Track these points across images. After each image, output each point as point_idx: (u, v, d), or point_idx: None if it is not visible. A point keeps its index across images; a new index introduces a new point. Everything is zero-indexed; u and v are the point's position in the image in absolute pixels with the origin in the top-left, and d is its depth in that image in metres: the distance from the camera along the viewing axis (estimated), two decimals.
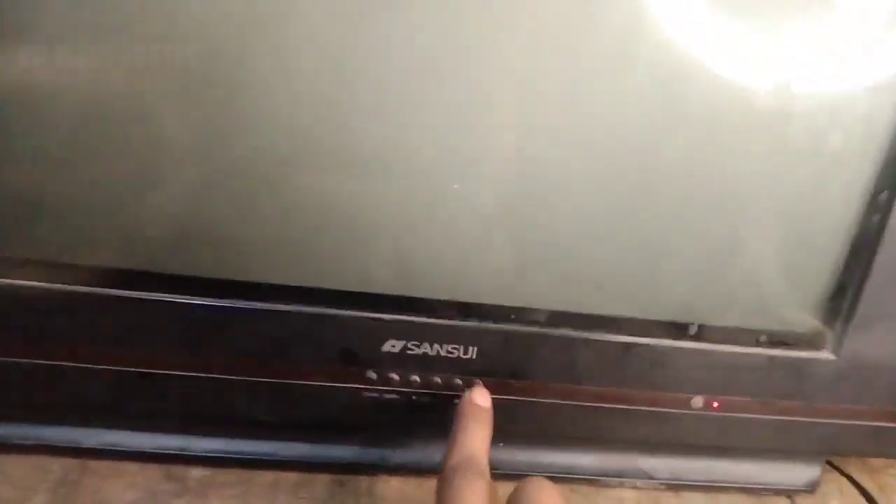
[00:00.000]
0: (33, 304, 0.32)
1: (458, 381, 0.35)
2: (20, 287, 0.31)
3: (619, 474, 0.39)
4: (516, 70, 0.32)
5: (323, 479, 0.36)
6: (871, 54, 0.33)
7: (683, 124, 0.33)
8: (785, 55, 0.32)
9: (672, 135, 0.34)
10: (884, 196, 0.35)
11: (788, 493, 0.41)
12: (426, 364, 0.35)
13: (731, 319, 0.37)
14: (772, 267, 0.36)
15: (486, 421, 0.33)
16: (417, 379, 0.35)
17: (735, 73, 0.33)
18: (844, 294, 0.36)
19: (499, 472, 0.34)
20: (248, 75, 0.30)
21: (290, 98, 0.31)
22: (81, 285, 0.32)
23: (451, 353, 0.35)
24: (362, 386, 0.35)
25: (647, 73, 0.32)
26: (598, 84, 0.32)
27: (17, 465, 0.34)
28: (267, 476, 0.36)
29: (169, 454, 0.36)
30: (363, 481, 0.37)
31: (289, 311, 0.34)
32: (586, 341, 0.36)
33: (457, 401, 0.35)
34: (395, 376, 0.35)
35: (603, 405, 0.37)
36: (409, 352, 0.35)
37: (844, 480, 0.42)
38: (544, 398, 0.37)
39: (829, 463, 0.42)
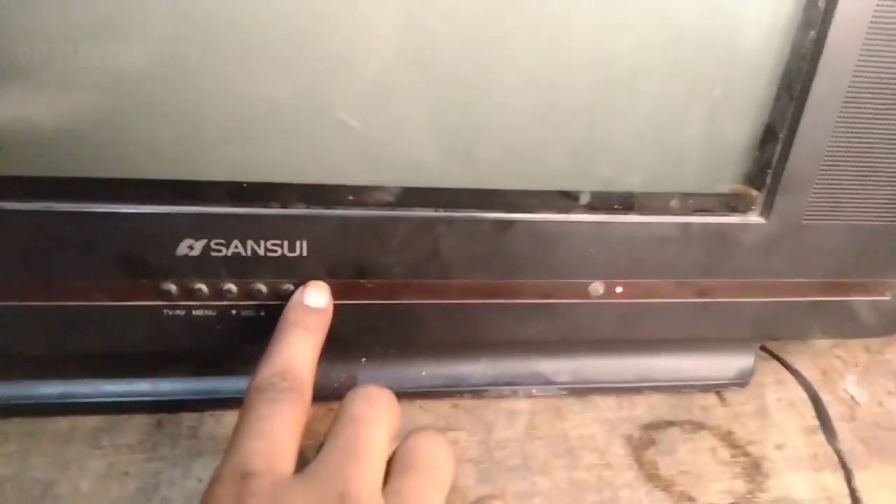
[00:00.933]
0: None
1: (290, 287, 0.28)
2: None
3: (511, 382, 0.33)
4: None
5: (133, 421, 0.29)
6: None
7: None
8: None
9: None
10: (804, 37, 0.27)
11: (716, 387, 0.34)
12: (241, 268, 0.27)
13: (632, 183, 0.29)
14: (680, 111, 0.28)
15: (314, 327, 0.26)
16: (233, 288, 0.27)
17: None
18: (774, 139, 0.29)
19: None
20: None
21: None
22: None
23: (273, 250, 0.27)
24: (160, 302, 0.27)
25: None
26: None
27: None
28: (59, 423, 0.28)
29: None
30: (185, 419, 0.29)
31: (42, 210, 0.25)
32: (450, 222, 0.28)
33: None
34: (202, 287, 0.27)
35: (480, 301, 0.30)
36: (213, 253, 0.26)
37: (782, 368, 0.35)
38: (407, 298, 0.29)
39: (764, 349, 0.36)
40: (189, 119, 0.25)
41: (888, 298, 0.33)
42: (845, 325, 0.34)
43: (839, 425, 0.33)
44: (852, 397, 0.35)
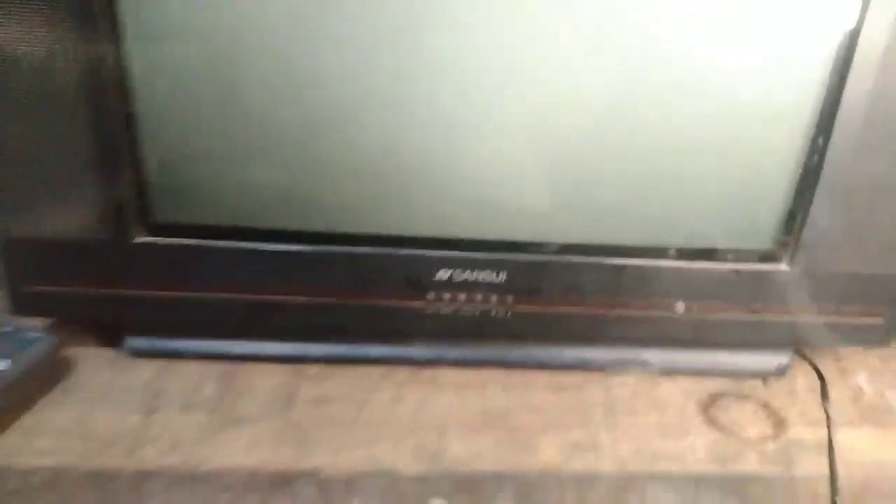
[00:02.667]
0: (205, 256, 0.46)
1: (494, 298, 0.48)
2: (193, 245, 0.46)
3: (625, 363, 0.51)
4: (527, 67, 0.43)
5: (402, 370, 0.50)
6: (804, 34, 0.42)
7: (662, 89, 0.44)
8: (735, 38, 0.42)
9: (653, 99, 0.44)
10: (820, 140, 0.44)
11: (763, 375, 0.52)
12: (468, 285, 0.47)
13: (703, 241, 0.48)
14: (735, 198, 0.47)
15: None
16: (462, 296, 0.48)
17: (700, 54, 0.43)
18: (794, 218, 0.46)
19: (520, 364, 0.47)
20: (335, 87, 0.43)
21: (355, 96, 0.43)
22: (235, 240, 0.46)
23: (485, 276, 0.47)
24: (423, 303, 0.48)
25: (633, 59, 0.43)
26: (602, 73, 0.43)
27: (189, 368, 0.49)
28: (361, 369, 0.50)
29: (291, 356, 0.50)
30: (428, 372, 0.50)
31: (373, 253, 0.47)
32: (590, 264, 0.47)
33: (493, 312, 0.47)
34: (447, 294, 0.48)
35: (607, 312, 0.49)
36: (455, 277, 0.47)
37: (808, 365, 0.52)
38: (564, 307, 0.49)
39: (798, 351, 0.53)
40: (453, 206, 0.46)
41: (881, 321, 0.50)
42: (851, 338, 0.50)
43: (846, 406, 0.49)
44: (861, 388, 0.51)
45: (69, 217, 0.45)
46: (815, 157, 0.45)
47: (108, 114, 0.42)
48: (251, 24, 0.41)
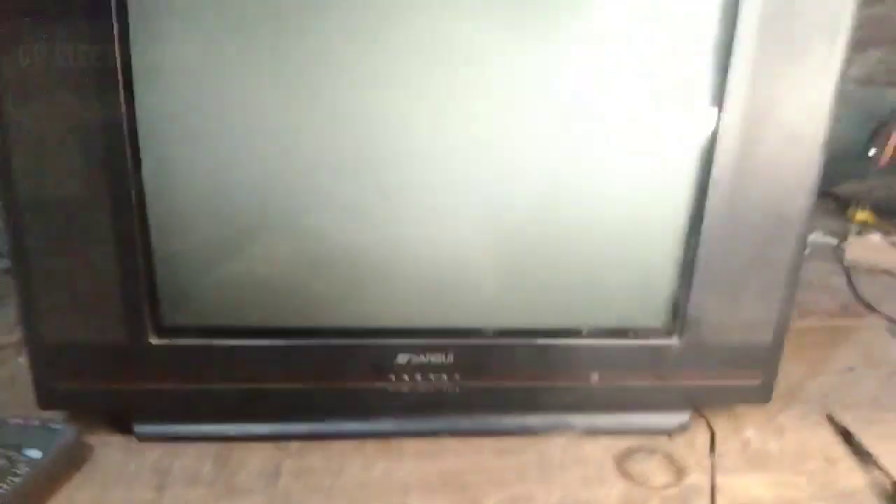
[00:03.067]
0: (204, 353, 0.56)
1: (444, 376, 0.58)
2: (195, 344, 0.56)
3: (555, 428, 0.62)
4: (464, 192, 0.55)
5: (371, 442, 0.60)
6: (671, 163, 0.55)
7: (573, 207, 0.56)
8: (618, 166, 0.55)
9: (565, 214, 0.57)
10: (692, 241, 0.57)
11: (668, 432, 0.63)
12: (422, 366, 0.58)
13: (610, 322, 0.59)
14: (632, 288, 0.59)
15: None
16: (418, 376, 0.58)
17: (597, 178, 0.56)
18: (678, 302, 0.59)
19: (469, 432, 0.57)
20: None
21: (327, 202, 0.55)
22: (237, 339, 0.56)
23: (436, 358, 0.58)
24: (386, 383, 0.58)
25: (547, 183, 0.55)
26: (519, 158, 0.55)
27: (190, 448, 0.58)
28: (336, 444, 0.59)
29: (275, 435, 0.60)
30: (394, 442, 0.60)
31: (344, 344, 0.57)
32: (521, 345, 0.59)
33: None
34: (405, 375, 0.58)
35: (537, 384, 0.60)
36: (412, 360, 0.58)
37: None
38: (502, 382, 0.59)
39: (697, 411, 0.64)
40: (399, 300, 0.57)
41: (759, 381, 0.61)
42: (736, 397, 0.62)
43: (736, 455, 0.60)
44: (749, 439, 0.63)
45: (90, 324, 0.55)
46: (690, 254, 0.57)
47: (127, 240, 0.53)
48: (246, 160, 0.53)
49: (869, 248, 1.01)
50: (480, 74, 0.53)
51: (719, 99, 0.52)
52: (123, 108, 0.49)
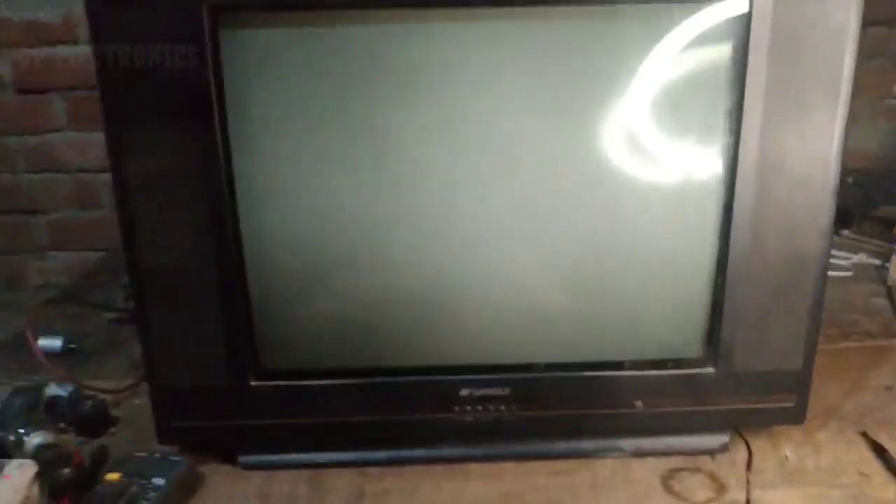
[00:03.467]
0: (297, 392, 0.66)
1: (503, 407, 0.66)
2: (290, 385, 0.66)
3: (604, 450, 0.69)
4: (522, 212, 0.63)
5: (439, 467, 0.68)
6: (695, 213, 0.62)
7: (617, 255, 0.64)
8: (652, 220, 0.63)
9: (610, 261, 0.64)
10: (719, 280, 0.63)
11: (710, 452, 0.69)
12: (483, 398, 0.66)
13: (650, 354, 0.66)
14: (669, 324, 0.66)
15: None
16: (479, 407, 0.66)
17: (638, 231, 0.63)
18: (712, 335, 0.65)
19: (526, 457, 0.65)
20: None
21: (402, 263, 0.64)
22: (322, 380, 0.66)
23: (495, 391, 0.66)
24: (452, 414, 0.66)
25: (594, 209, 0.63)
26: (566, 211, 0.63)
27: (286, 475, 0.68)
28: (409, 468, 0.68)
29: (358, 461, 0.69)
30: (459, 466, 0.68)
31: (415, 380, 0.66)
32: (570, 377, 0.66)
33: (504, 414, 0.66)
34: (468, 407, 0.66)
35: (586, 412, 0.67)
36: (474, 393, 0.66)
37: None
38: (554, 411, 0.67)
39: (737, 432, 0.70)
40: (462, 341, 0.65)
41: (791, 404, 0.67)
42: (771, 419, 0.68)
43: (774, 471, 0.66)
44: (786, 456, 0.68)
45: (201, 370, 0.65)
46: (719, 292, 0.64)
47: (230, 298, 0.63)
48: (328, 227, 0.63)
49: None
50: (531, 150, 0.62)
51: (734, 156, 0.59)
52: (226, 185, 0.60)
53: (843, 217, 1.18)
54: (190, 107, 0.58)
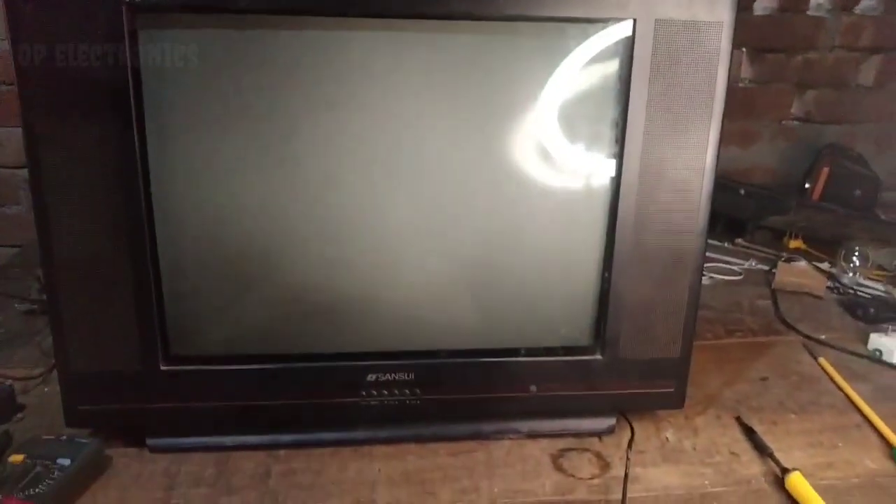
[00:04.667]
0: (207, 376, 0.68)
1: (407, 391, 0.70)
2: (200, 369, 0.68)
3: (501, 432, 0.73)
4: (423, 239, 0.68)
5: (346, 449, 0.71)
6: (584, 213, 0.68)
7: (511, 248, 0.69)
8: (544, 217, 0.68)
9: (504, 253, 0.69)
10: (605, 274, 0.69)
11: (598, 434, 0.74)
12: (388, 383, 0.69)
13: (544, 342, 0.71)
14: (560, 313, 0.71)
15: None
16: (385, 392, 0.70)
17: (531, 227, 0.68)
18: (598, 324, 0.71)
19: (428, 438, 0.69)
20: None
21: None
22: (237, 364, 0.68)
23: (400, 376, 0.69)
24: (358, 398, 0.70)
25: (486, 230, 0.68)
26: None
27: (194, 457, 0.69)
28: (316, 450, 0.71)
29: (266, 444, 0.71)
30: (365, 448, 0.71)
31: (323, 366, 0.69)
32: (470, 363, 0.70)
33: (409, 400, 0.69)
34: (374, 391, 0.70)
35: (485, 395, 0.71)
36: (380, 378, 0.69)
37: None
38: (455, 395, 0.71)
39: (623, 415, 0.76)
40: (369, 328, 0.69)
41: (672, 389, 0.73)
42: (653, 403, 0.74)
43: (655, 451, 0.72)
44: (667, 438, 0.74)
45: (111, 355, 0.67)
46: (605, 285, 0.69)
47: (142, 285, 0.65)
48: (241, 221, 0.65)
49: (795, 273, 1.13)
50: (434, 153, 0.67)
51: (619, 163, 0.65)
52: (141, 180, 0.62)
53: (737, 227, 1.28)
54: (108, 104, 0.60)
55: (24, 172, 1.41)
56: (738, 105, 1.44)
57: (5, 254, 1.42)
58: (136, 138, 0.61)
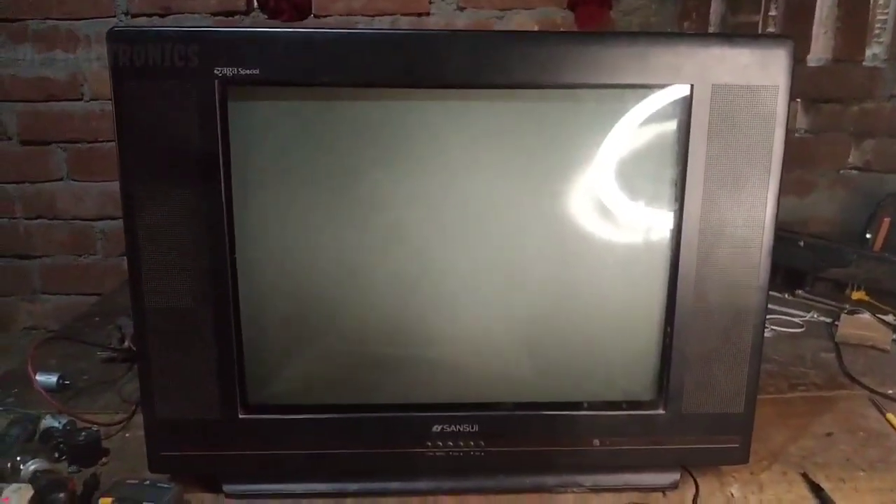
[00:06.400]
0: (281, 426, 0.71)
1: (472, 443, 0.72)
2: (275, 419, 0.71)
3: (565, 485, 0.74)
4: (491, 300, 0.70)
5: (413, 499, 0.73)
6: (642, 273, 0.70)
7: (574, 308, 0.71)
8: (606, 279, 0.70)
9: (568, 314, 0.71)
10: (668, 329, 0.70)
11: (661, 489, 0.74)
12: (453, 434, 0.71)
13: (606, 396, 0.73)
14: (623, 370, 0.72)
15: None
16: (450, 443, 0.72)
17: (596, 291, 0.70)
18: (661, 380, 0.72)
19: (492, 490, 0.70)
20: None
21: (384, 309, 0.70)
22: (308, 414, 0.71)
23: (465, 427, 0.71)
24: (424, 449, 0.72)
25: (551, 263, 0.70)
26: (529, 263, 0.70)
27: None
28: (384, 499, 0.73)
29: (335, 492, 0.73)
30: (431, 499, 0.73)
31: (390, 416, 0.72)
32: (533, 416, 0.72)
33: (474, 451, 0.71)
34: (439, 442, 0.72)
35: (548, 448, 0.73)
36: (445, 429, 0.71)
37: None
38: (519, 447, 0.73)
39: (686, 470, 0.76)
40: (435, 382, 0.71)
41: (737, 444, 0.73)
42: (718, 458, 0.74)
43: None
44: (732, 494, 0.74)
45: (192, 403, 0.71)
46: (667, 341, 0.71)
47: (224, 338, 0.69)
48: (314, 280, 0.69)
49: (859, 325, 1.12)
50: (499, 212, 0.70)
51: (678, 220, 0.67)
52: (226, 238, 0.67)
53: (797, 278, 1.27)
54: (198, 167, 0.65)
55: (102, 224, 1.51)
56: (795, 155, 1.44)
57: (83, 301, 1.50)
58: (223, 200, 0.66)
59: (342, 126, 0.67)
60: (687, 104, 0.65)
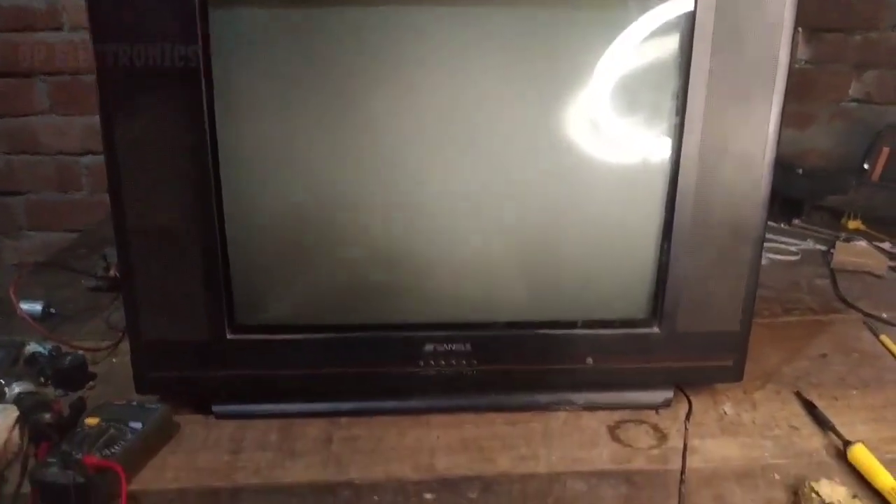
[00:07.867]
0: (272, 345, 0.70)
1: (464, 362, 0.71)
2: (264, 338, 0.70)
3: (558, 403, 0.74)
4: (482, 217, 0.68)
5: (405, 417, 0.72)
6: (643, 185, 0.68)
7: (570, 223, 0.69)
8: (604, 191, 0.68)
9: (562, 229, 0.69)
10: (665, 245, 0.69)
11: (654, 406, 0.74)
12: (446, 353, 0.70)
13: (601, 315, 0.72)
14: (618, 287, 0.71)
15: None
16: (442, 362, 0.71)
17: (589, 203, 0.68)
18: (657, 298, 0.70)
19: (485, 408, 0.70)
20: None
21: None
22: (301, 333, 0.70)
23: (457, 346, 0.70)
24: (417, 368, 0.71)
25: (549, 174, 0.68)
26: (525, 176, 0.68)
27: (258, 423, 0.71)
28: (376, 418, 0.72)
29: (328, 412, 0.73)
30: (423, 417, 0.72)
31: (382, 336, 0.70)
32: (527, 335, 0.71)
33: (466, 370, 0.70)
34: (432, 361, 0.71)
35: (541, 367, 0.72)
36: (437, 348, 0.70)
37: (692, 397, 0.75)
38: (512, 366, 0.72)
39: (679, 388, 0.75)
40: (428, 300, 0.70)
41: (731, 363, 0.73)
42: (711, 377, 0.73)
43: (713, 424, 0.72)
44: (725, 412, 0.74)
45: (179, 324, 0.69)
46: (664, 258, 0.69)
47: (210, 256, 0.67)
48: (304, 197, 0.67)
49: (854, 252, 1.11)
50: (494, 125, 0.67)
51: (679, 134, 0.65)
52: (210, 155, 0.64)
53: (794, 206, 1.26)
54: (179, 80, 0.62)
55: (87, 159, 1.47)
56: (795, 86, 1.41)
57: (69, 239, 1.47)
58: (206, 115, 0.63)
59: (330, 34, 0.64)
60: (691, 13, 0.62)
